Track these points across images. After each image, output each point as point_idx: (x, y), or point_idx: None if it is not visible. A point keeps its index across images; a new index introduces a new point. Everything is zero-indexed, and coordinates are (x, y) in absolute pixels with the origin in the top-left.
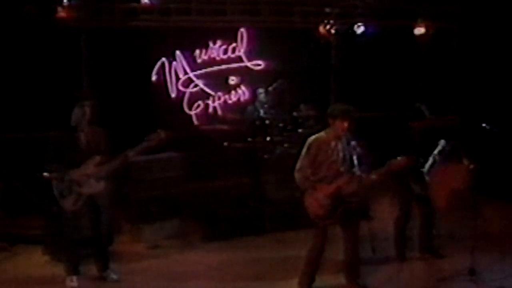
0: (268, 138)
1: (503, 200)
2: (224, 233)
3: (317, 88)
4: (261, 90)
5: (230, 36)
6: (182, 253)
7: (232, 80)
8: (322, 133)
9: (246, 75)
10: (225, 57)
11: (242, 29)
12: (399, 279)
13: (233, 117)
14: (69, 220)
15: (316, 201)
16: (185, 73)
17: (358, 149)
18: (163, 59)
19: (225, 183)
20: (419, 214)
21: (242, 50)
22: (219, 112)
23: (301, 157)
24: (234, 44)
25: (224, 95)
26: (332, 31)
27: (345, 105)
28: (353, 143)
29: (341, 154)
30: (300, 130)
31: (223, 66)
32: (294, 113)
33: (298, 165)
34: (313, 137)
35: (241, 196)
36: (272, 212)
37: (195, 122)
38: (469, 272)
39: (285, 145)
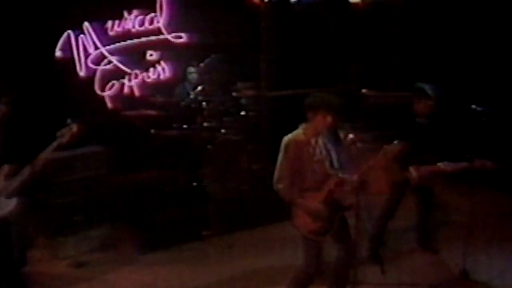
0: (206, 124)
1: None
2: (163, 241)
3: (249, 63)
4: (192, 69)
5: (147, 5)
6: (114, 271)
7: (151, 55)
8: (299, 131)
9: (166, 49)
10: (142, 29)
11: None
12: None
13: (163, 101)
14: None
15: (308, 214)
16: (96, 47)
17: (358, 144)
18: (69, 31)
19: (159, 180)
20: (417, 205)
21: (161, 21)
22: (136, 92)
23: (278, 164)
24: (152, 14)
25: (141, 72)
26: None
27: (328, 96)
28: (351, 136)
29: (324, 152)
30: (242, 113)
31: (140, 40)
32: (234, 94)
33: (276, 175)
34: (288, 137)
35: (179, 195)
36: (216, 211)
37: (109, 104)
38: (462, 274)
39: (223, 131)
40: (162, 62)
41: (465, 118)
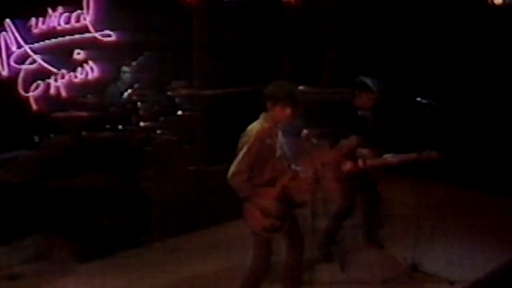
0: (142, 124)
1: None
2: (102, 248)
3: (182, 62)
4: (126, 68)
5: (73, 2)
6: (50, 282)
7: (78, 54)
8: (262, 122)
9: (94, 48)
10: (68, 26)
11: None
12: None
13: (94, 101)
14: None
15: (261, 210)
16: (19, 46)
17: (313, 140)
18: None
19: (94, 184)
20: (363, 201)
21: (88, 18)
22: (63, 92)
23: (239, 157)
24: (78, 11)
25: (68, 72)
26: None
27: (289, 86)
28: (305, 132)
29: (284, 148)
30: (179, 113)
31: (66, 38)
32: (169, 93)
33: (234, 168)
34: (253, 129)
35: (117, 199)
36: (157, 215)
37: (34, 106)
38: (411, 268)
39: (159, 131)
40: (90, 61)
41: (410, 111)
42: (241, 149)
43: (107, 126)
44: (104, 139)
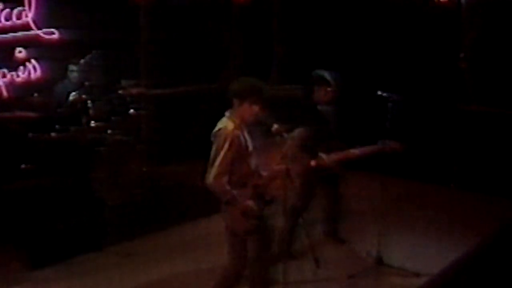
0: (92, 124)
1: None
2: (54, 255)
3: (131, 60)
4: (73, 67)
5: None
6: None
7: (20, 52)
8: (232, 119)
9: (37, 46)
10: (8, 23)
11: None
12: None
13: (42, 101)
14: None
15: (243, 212)
16: None
17: (284, 135)
18: None
19: (45, 187)
20: (324, 196)
21: (30, 15)
22: (4, 92)
23: (219, 159)
24: (20, 8)
25: (10, 71)
26: None
27: (256, 82)
28: (275, 126)
29: (252, 145)
30: (131, 111)
31: (7, 35)
32: (120, 91)
33: (215, 171)
34: (227, 127)
35: (68, 202)
36: (112, 218)
37: None
38: (376, 261)
39: (109, 131)
40: (32, 60)
41: (370, 104)
42: (219, 150)
43: (57, 127)
44: (54, 140)
